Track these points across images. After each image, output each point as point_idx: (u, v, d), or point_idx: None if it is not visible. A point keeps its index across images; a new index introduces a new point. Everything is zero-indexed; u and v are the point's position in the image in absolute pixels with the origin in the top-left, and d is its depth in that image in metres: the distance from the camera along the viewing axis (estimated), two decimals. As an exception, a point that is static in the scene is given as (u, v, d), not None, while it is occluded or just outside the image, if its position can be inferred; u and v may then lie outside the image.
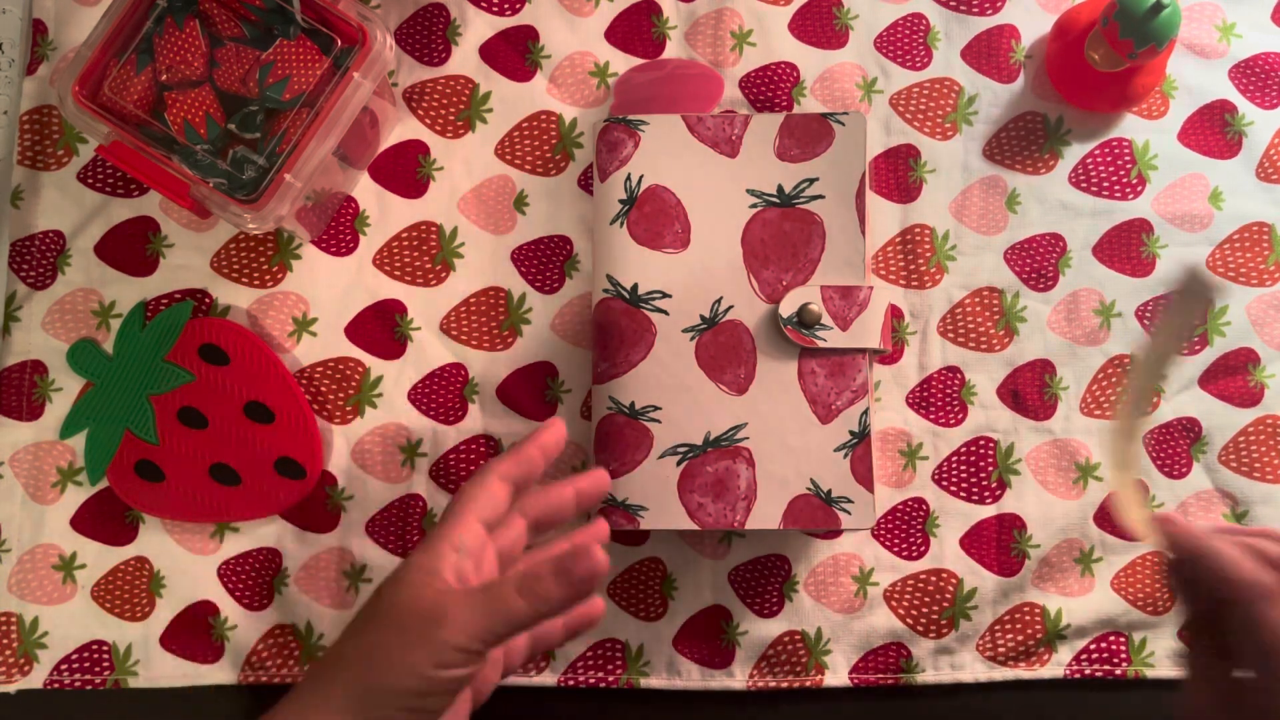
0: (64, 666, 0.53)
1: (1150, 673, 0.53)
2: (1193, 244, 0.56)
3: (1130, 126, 0.56)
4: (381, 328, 0.55)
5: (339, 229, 0.56)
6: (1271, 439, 0.55)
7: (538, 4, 0.57)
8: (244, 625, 0.54)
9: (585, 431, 0.55)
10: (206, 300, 0.55)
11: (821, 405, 0.51)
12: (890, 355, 0.55)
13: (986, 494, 0.55)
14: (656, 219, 0.52)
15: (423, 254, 0.56)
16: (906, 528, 0.54)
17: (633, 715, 0.54)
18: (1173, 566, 0.42)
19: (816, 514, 0.50)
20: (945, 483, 0.55)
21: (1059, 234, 0.56)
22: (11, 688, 0.53)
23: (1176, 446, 0.55)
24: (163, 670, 0.53)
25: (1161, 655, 0.53)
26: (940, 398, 0.55)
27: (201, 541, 0.54)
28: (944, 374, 0.55)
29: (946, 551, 0.54)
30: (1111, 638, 0.54)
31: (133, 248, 0.55)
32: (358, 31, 0.48)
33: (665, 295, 0.52)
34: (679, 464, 0.50)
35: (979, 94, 0.57)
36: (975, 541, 0.54)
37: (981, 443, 0.55)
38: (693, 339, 0.51)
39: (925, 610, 0.54)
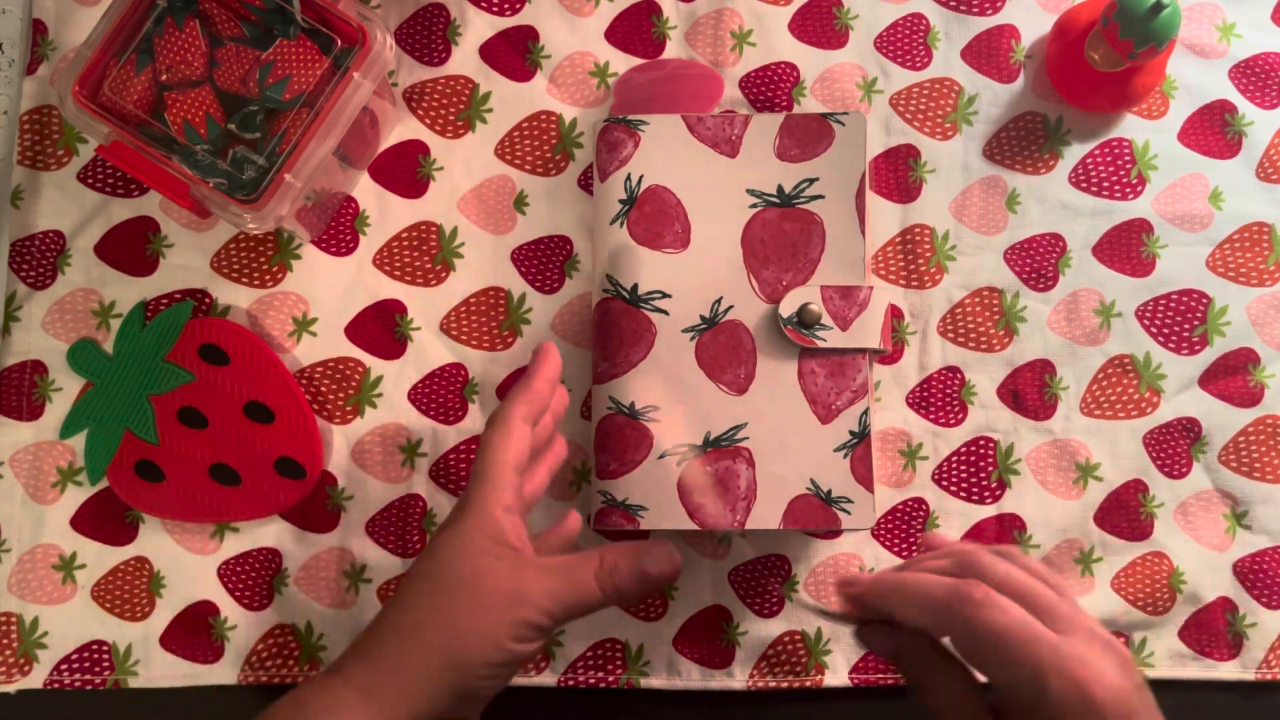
0: (64, 666, 0.53)
1: (1151, 673, 0.53)
2: (1193, 244, 0.56)
3: (1130, 126, 0.56)
4: (381, 328, 0.55)
5: (339, 229, 0.56)
6: (1271, 439, 0.55)
7: (538, 4, 0.57)
8: (244, 625, 0.54)
9: (585, 431, 0.55)
10: (206, 300, 0.55)
11: (821, 405, 0.51)
12: (890, 355, 0.55)
13: (986, 494, 0.55)
14: (656, 219, 0.52)
15: (423, 254, 0.56)
16: (906, 528, 0.54)
17: (633, 715, 0.54)
18: (865, 626, 0.43)
19: (816, 514, 0.50)
20: (945, 483, 0.55)
21: (1059, 234, 0.56)
22: (11, 688, 0.53)
23: (1176, 446, 0.55)
24: (163, 670, 0.53)
25: (1162, 655, 0.53)
26: (940, 398, 0.55)
27: (201, 541, 0.54)
28: (944, 374, 0.55)
29: (946, 551, 0.54)
30: (1111, 638, 0.54)
31: (133, 248, 0.55)
32: (358, 31, 0.48)
33: (665, 295, 0.52)
34: (679, 464, 0.50)
35: (979, 94, 0.57)
36: (975, 542, 0.54)
37: (981, 443, 0.55)
38: (693, 339, 0.51)
39: (925, 610, 0.54)
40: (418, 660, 0.38)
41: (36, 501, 0.54)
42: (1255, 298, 0.56)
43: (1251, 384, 0.55)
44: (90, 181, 0.56)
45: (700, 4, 0.57)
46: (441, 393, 0.55)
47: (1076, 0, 0.56)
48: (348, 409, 0.55)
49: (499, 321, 0.55)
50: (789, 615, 0.54)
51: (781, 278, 0.52)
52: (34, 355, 0.55)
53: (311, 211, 0.53)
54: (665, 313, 0.52)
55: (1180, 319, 0.55)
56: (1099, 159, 0.56)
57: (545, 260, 0.56)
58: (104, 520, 0.54)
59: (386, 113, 0.55)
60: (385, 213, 0.56)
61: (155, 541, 0.54)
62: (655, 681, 0.53)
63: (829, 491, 0.50)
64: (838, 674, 0.53)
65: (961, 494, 0.55)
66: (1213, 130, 0.57)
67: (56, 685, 0.53)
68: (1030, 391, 0.55)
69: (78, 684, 0.53)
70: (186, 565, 0.54)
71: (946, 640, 0.41)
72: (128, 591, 0.54)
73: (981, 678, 0.40)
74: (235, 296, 0.55)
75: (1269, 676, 0.53)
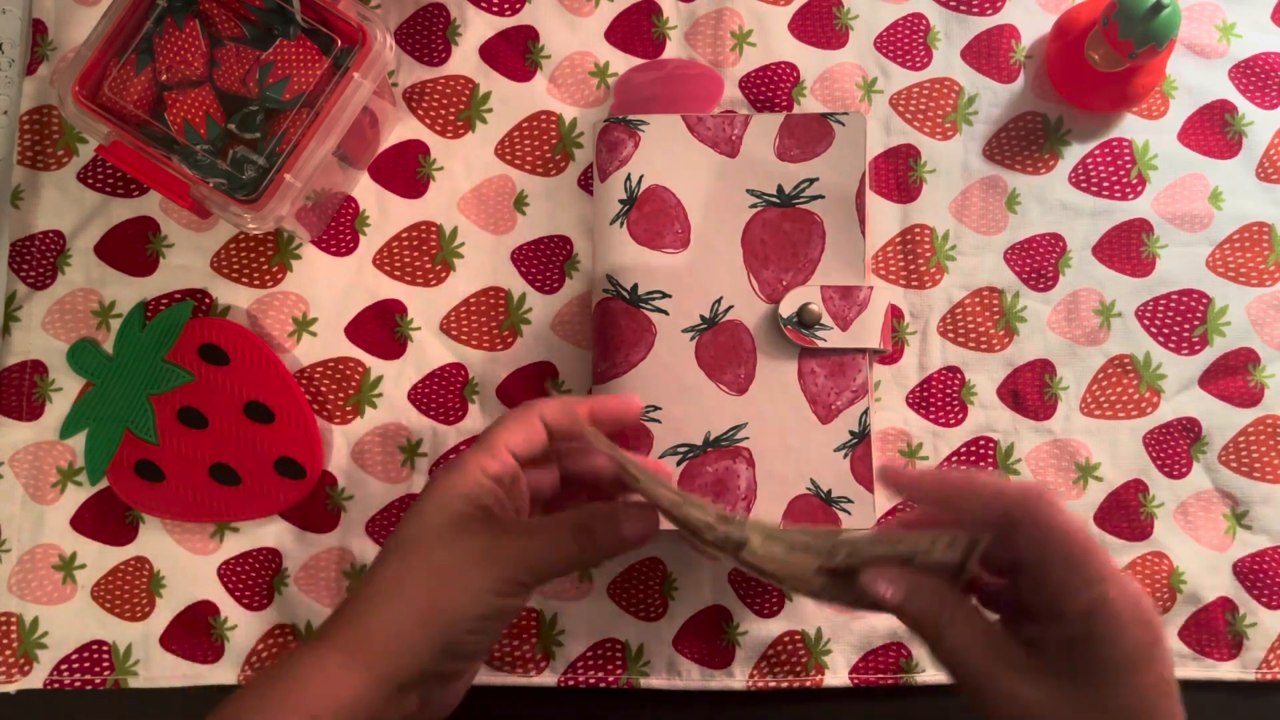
0: (64, 666, 0.53)
1: (1150, 673, 0.53)
2: (1193, 244, 0.56)
3: (1130, 126, 0.56)
4: (381, 328, 0.55)
5: (339, 229, 0.56)
6: (1271, 439, 0.55)
7: (538, 4, 0.57)
8: (244, 625, 0.54)
9: (585, 431, 0.55)
10: (206, 300, 0.55)
11: (821, 405, 0.51)
12: (890, 355, 0.55)
13: (986, 494, 0.54)
14: (656, 219, 0.52)
15: (423, 254, 0.56)
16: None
17: (633, 715, 0.54)
18: (874, 568, 0.39)
19: (816, 514, 0.50)
20: (945, 483, 0.55)
21: (1059, 234, 0.56)
22: (11, 688, 0.53)
23: (1176, 446, 0.55)
24: (163, 670, 0.53)
25: (1161, 655, 0.54)
26: (940, 398, 0.55)
27: (201, 541, 0.54)
28: (944, 374, 0.55)
29: (946, 551, 0.54)
30: (1111, 638, 0.54)
31: (133, 248, 0.55)
32: (358, 31, 0.48)
33: (665, 295, 0.52)
34: (679, 464, 0.50)
35: (979, 94, 0.57)
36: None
37: (981, 443, 0.55)
38: (693, 339, 0.51)
39: (925, 610, 0.54)
40: (400, 616, 0.38)
41: (36, 501, 0.54)
42: (1255, 298, 0.56)
43: (1251, 384, 0.55)
44: (90, 181, 0.56)
45: (700, 4, 0.57)
46: (441, 393, 0.55)
47: (1076, 0, 0.56)
48: (348, 409, 0.55)
49: (499, 321, 0.55)
50: (789, 615, 0.54)
51: (781, 278, 0.52)
52: (34, 355, 0.55)
53: (311, 211, 0.53)
54: (665, 313, 0.52)
55: (1180, 319, 0.55)
56: (1099, 159, 0.56)
57: (545, 260, 0.56)
58: (104, 520, 0.54)
59: (386, 113, 0.55)
60: (385, 213, 0.56)
61: (155, 541, 0.54)
62: (655, 681, 0.53)
63: (829, 491, 0.50)
64: (838, 674, 0.53)
65: (961, 494, 0.54)
66: (1213, 130, 0.57)
67: (56, 685, 0.53)
68: (1030, 391, 0.55)
69: (78, 684, 0.53)
70: (186, 565, 0.54)
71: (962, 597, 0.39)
72: (128, 591, 0.54)
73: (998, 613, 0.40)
74: (235, 296, 0.55)
75: (1269, 676, 0.53)
